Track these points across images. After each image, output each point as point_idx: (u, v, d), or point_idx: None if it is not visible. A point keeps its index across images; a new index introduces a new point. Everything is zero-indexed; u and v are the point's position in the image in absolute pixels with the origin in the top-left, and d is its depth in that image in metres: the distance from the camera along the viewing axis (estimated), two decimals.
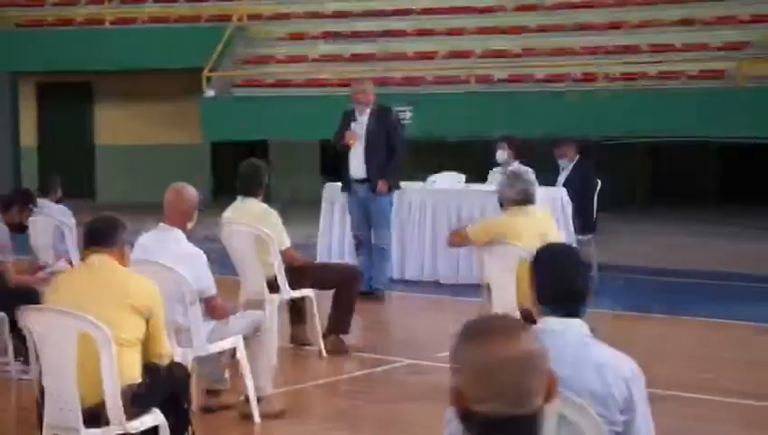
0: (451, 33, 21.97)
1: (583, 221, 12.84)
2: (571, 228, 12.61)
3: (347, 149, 12.24)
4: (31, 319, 5.79)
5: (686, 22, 20.24)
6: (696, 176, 23.13)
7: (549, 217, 8.38)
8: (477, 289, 12.47)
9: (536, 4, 21.81)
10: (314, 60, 22.22)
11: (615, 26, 20.78)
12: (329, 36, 22.73)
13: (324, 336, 9.54)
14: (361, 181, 12.24)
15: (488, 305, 8.25)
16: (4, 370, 8.70)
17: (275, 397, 7.69)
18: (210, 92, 21.20)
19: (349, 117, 12.38)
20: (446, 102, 19.75)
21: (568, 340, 4.02)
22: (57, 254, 10.40)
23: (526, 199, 8.10)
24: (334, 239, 13.71)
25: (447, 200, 13.09)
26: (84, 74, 24.19)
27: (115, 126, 25.08)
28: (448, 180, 14.17)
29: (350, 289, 9.68)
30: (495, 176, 13.72)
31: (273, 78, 22.13)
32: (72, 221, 10.64)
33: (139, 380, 5.80)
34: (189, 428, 6.17)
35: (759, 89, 18.01)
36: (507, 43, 21.30)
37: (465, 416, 2.64)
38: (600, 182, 13.21)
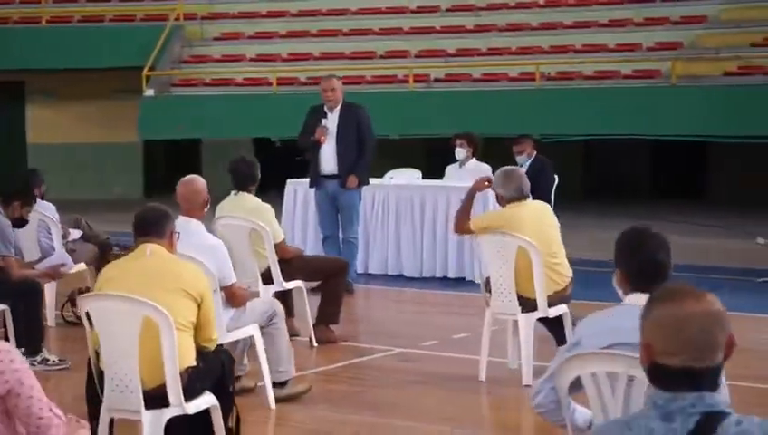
0: (386, 33, 22.32)
1: None
2: None
3: (317, 145, 12.38)
4: (93, 305, 6.00)
5: (618, 23, 20.81)
6: (629, 173, 23.77)
7: (545, 208, 8.72)
8: (441, 282, 12.96)
9: (471, 4, 22.25)
10: (251, 59, 22.46)
11: (549, 27, 21.28)
12: (263, 36, 22.97)
13: (313, 327, 9.83)
14: (332, 177, 12.42)
15: (487, 296, 8.59)
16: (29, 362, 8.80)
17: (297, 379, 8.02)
18: (149, 92, 21.32)
19: (316, 113, 12.52)
20: (386, 102, 20.08)
21: None
22: (42, 248, 10.53)
23: (521, 196, 8.48)
24: (296, 234, 13.96)
25: (411, 196, 13.40)
26: (17, 73, 24.11)
27: (47, 125, 25.03)
28: (405, 177, 14.56)
29: (339, 280, 10.00)
30: (452, 171, 14.17)
31: (211, 77, 22.28)
32: (57, 216, 10.78)
33: (194, 363, 6.05)
34: (234, 409, 6.43)
35: (692, 88, 18.63)
36: (443, 44, 21.72)
37: (653, 369, 2.97)
38: (557, 178, 13.63)
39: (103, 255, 11.08)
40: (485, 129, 17.41)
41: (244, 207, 9.58)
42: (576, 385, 4.54)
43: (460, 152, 13.88)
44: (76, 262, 10.49)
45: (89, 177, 24.36)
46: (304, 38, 22.75)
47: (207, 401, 6.13)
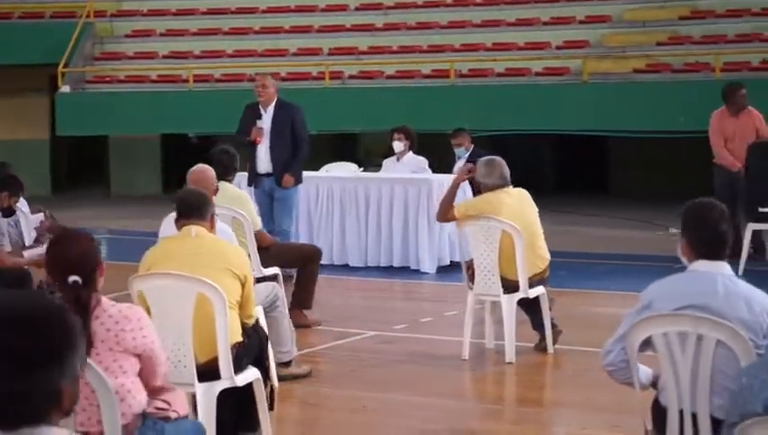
0: (297, 30, 22.67)
1: None
2: None
3: (253, 145, 12.55)
4: (147, 284, 6.30)
5: (526, 22, 21.47)
6: (535, 167, 24.42)
7: (525, 194, 9.18)
8: (386, 271, 13.38)
9: (380, 3, 22.71)
10: (164, 57, 22.63)
11: (459, 25, 21.85)
12: (175, 34, 23.14)
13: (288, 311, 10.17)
14: (267, 175, 12.59)
15: (468, 282, 9.05)
16: None
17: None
18: (65, 88, 21.35)
19: (252, 112, 12.71)
20: (301, 99, 20.39)
21: (717, 278, 4.87)
22: (12, 240, 10.66)
23: (504, 183, 8.97)
24: None
25: (355, 187, 13.77)
26: None
27: None
28: (342, 169, 14.96)
29: (313, 267, 10.37)
30: (389, 164, 14.62)
31: (126, 74, 22.38)
32: (27, 208, 10.91)
33: (241, 339, 6.39)
34: (269, 383, 6.78)
35: (600, 84, 19.35)
36: (354, 41, 22.14)
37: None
38: None
39: None
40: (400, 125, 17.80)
41: (224, 195, 9.85)
42: (643, 345, 5.00)
43: (398, 146, 14.33)
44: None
45: None
46: (216, 36, 22.95)
47: (253, 373, 6.48)
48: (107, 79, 22.39)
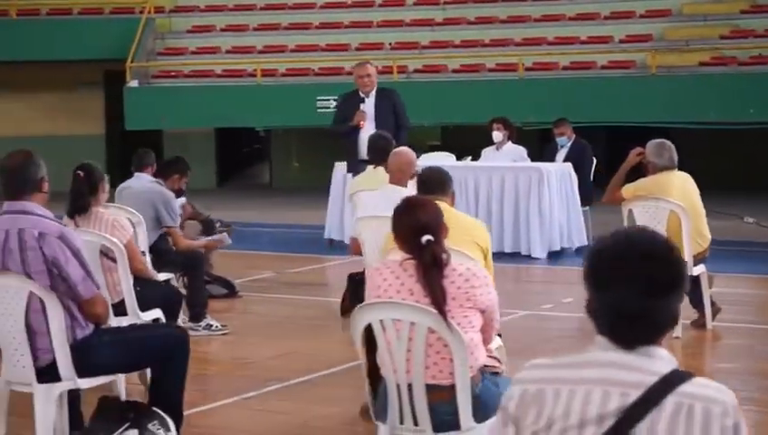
0: (358, 26, 23.03)
1: (581, 194, 14.09)
2: (578, 200, 13.92)
3: (356, 130, 12.50)
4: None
5: (587, 17, 21.84)
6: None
7: (688, 177, 9.47)
8: (497, 257, 13.64)
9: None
10: (227, 51, 22.93)
11: (519, 20, 22.20)
12: (234, 29, 23.46)
13: None
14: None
15: None
16: (192, 328, 9.27)
17: None
18: (133, 83, 21.62)
19: (352, 98, 12.76)
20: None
21: None
22: None
23: (672, 165, 9.28)
24: (346, 218, 14.52)
25: (465, 177, 14.01)
26: None
27: (5, 117, 25.04)
28: (441, 159, 15.23)
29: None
30: (489, 154, 14.91)
31: (190, 69, 22.67)
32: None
33: None
34: None
35: (669, 77, 19.70)
36: (416, 36, 22.50)
37: None
38: (595, 160, 14.50)
39: (206, 231, 11.54)
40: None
41: (378, 180, 10.13)
42: None
43: (497, 135, 14.63)
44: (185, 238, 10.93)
45: (49, 169, 24.36)
46: (276, 31, 23.27)
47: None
48: (172, 74, 22.66)
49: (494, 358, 5.25)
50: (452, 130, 22.88)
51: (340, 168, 14.67)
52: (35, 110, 24.89)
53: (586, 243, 13.97)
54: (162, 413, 6.01)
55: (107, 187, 7.79)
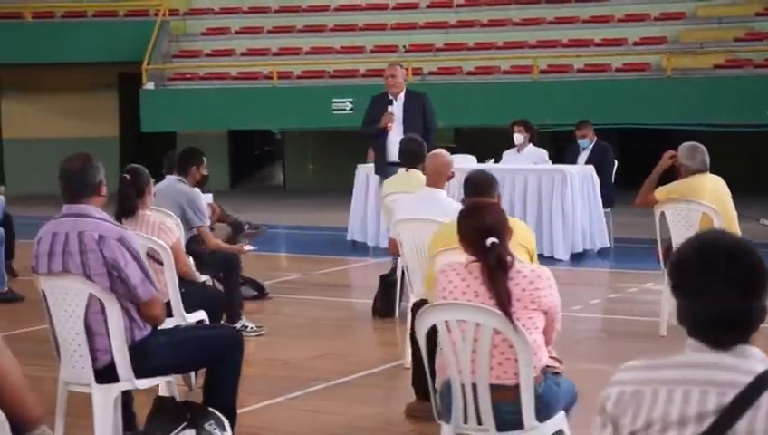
0: (372, 28, 23.13)
1: (603, 196, 14.17)
2: (600, 202, 14.00)
3: (384, 132, 12.45)
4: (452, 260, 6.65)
5: (601, 19, 21.92)
6: None
7: (720, 180, 9.54)
8: None
9: (450, 0, 23.17)
10: (242, 54, 23.02)
11: (533, 23, 22.27)
12: (248, 32, 23.55)
13: None
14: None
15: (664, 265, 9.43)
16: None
17: None
18: (149, 85, 21.72)
19: (381, 100, 12.70)
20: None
21: None
22: None
23: (705, 168, 9.35)
24: (369, 220, 14.63)
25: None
26: None
27: (21, 120, 25.15)
28: (464, 162, 15.29)
29: None
30: (510, 156, 14.99)
31: (206, 71, 22.77)
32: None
33: None
34: None
35: (683, 80, 19.79)
36: (430, 39, 22.60)
37: None
38: (616, 162, 14.58)
39: (235, 233, 11.62)
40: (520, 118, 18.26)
41: (411, 184, 10.21)
42: None
43: (518, 138, 14.70)
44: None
45: None
46: (290, 33, 23.35)
47: None
48: (188, 76, 22.76)
49: (555, 358, 5.33)
50: (465, 132, 22.96)
51: (363, 169, 14.75)
52: (50, 112, 24.99)
53: (608, 245, 14.07)
54: (218, 413, 6.09)
55: (153, 189, 7.85)
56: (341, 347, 9.40)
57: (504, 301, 4.94)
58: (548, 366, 5.23)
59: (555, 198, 13.69)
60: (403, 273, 9.12)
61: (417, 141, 10.35)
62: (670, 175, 9.55)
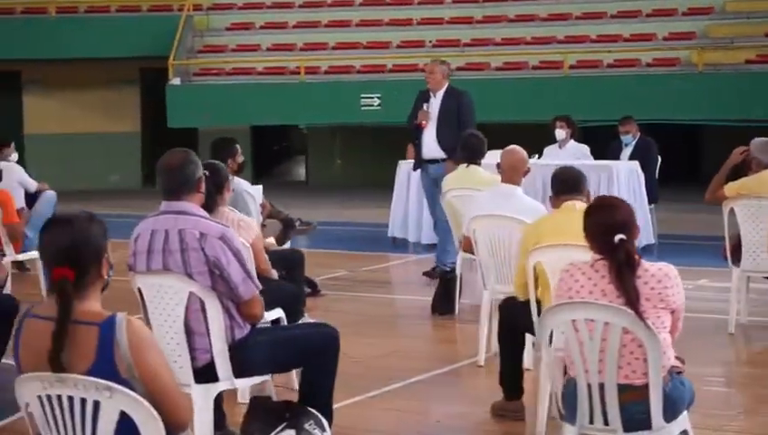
0: (397, 23, 23.03)
1: (647, 192, 14.07)
2: (646, 198, 13.91)
3: (419, 129, 12.26)
4: (546, 256, 6.58)
5: (629, 14, 21.84)
6: None
7: None
8: None
9: None
10: (268, 49, 22.93)
11: (560, 18, 22.19)
12: (273, 27, 23.46)
13: None
14: (432, 161, 12.23)
15: (732, 261, 9.37)
16: None
17: None
18: (176, 80, 21.63)
19: (421, 97, 12.49)
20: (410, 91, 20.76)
21: None
22: None
23: None
24: (411, 215, 14.55)
25: (532, 175, 13.84)
26: (14, 63, 24.11)
27: (43, 115, 25.06)
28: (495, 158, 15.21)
29: None
30: (551, 152, 14.89)
31: (232, 66, 22.69)
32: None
33: None
34: None
35: (714, 75, 19.70)
36: (457, 34, 22.52)
37: None
38: (660, 158, 14.48)
39: (286, 230, 11.53)
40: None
41: (472, 179, 10.16)
42: None
43: (560, 133, 14.61)
44: (265, 236, 10.88)
45: (88, 166, 24.33)
46: (316, 28, 23.27)
47: None
48: (214, 71, 22.67)
49: (679, 358, 5.24)
50: (489, 128, 22.80)
51: (405, 166, 14.66)
52: (73, 107, 24.92)
53: (653, 241, 13.97)
54: (317, 413, 6.00)
55: (231, 186, 7.75)
56: (407, 345, 9.34)
57: (633, 300, 4.86)
58: (673, 366, 5.15)
59: (601, 193, 13.54)
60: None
61: (478, 137, 10.30)
62: (739, 171, 9.47)
